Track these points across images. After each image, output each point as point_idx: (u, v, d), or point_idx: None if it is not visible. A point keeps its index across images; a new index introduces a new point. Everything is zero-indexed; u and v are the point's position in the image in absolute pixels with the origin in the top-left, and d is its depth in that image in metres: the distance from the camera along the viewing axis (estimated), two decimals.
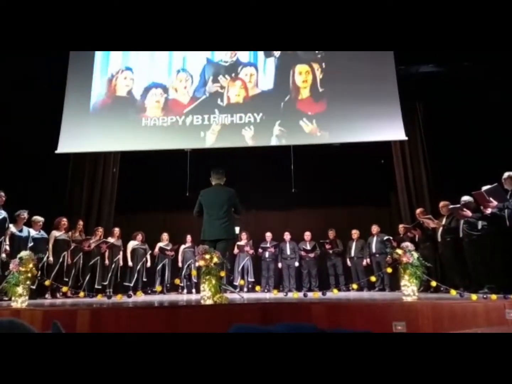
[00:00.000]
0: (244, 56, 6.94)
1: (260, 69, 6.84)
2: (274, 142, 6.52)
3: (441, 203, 5.65)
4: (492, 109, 6.37)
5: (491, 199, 4.24)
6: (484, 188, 4.40)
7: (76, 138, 6.77)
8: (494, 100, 6.37)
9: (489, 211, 4.28)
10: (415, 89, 7.13)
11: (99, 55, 7.17)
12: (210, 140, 6.61)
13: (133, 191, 7.82)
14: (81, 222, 6.61)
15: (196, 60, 6.97)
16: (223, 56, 6.95)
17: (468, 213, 4.69)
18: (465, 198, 4.90)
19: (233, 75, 6.84)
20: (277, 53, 6.86)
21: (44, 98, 7.02)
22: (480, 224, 4.68)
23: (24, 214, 5.38)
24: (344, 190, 7.67)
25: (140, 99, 6.89)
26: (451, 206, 5.07)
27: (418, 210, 6.24)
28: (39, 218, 5.71)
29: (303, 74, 6.74)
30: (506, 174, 4.43)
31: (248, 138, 6.56)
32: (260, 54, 6.90)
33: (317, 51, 6.73)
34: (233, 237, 4.32)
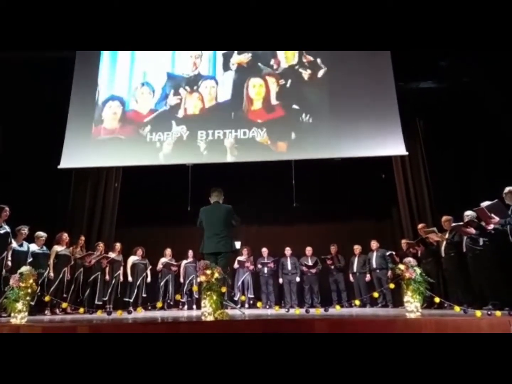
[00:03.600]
0: (204, 69, 7.18)
1: (219, 82, 7.07)
2: (229, 152, 6.68)
3: (444, 218, 5.63)
4: (492, 124, 6.40)
5: (492, 215, 4.23)
6: (485, 204, 4.39)
7: (78, 154, 6.82)
8: (493, 115, 6.41)
9: (491, 227, 4.27)
10: (415, 105, 7.21)
11: (104, 74, 7.32)
12: (166, 151, 6.76)
13: (135, 206, 7.83)
14: (82, 238, 6.61)
15: (157, 73, 7.20)
16: (185, 69, 7.19)
17: (472, 230, 4.67)
18: (468, 213, 4.88)
19: (194, 87, 7.06)
20: (234, 66, 7.10)
21: (47, 114, 7.11)
22: (481, 240, 4.66)
23: (25, 230, 5.38)
24: (345, 204, 7.66)
25: (99, 112, 7.08)
26: (454, 224, 5.06)
27: (420, 226, 6.21)
28: (41, 234, 5.71)
29: (257, 87, 6.96)
30: (507, 189, 4.42)
31: (203, 149, 6.71)
32: (219, 67, 7.14)
33: (276, 69, 7.00)
34: (232, 251, 4.47)
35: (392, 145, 6.50)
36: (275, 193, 7.32)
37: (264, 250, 7.47)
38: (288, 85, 6.90)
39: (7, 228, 5.00)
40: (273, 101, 6.86)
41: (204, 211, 4.39)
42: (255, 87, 6.97)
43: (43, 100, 7.20)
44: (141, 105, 7.07)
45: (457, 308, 4.01)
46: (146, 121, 6.94)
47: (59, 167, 6.78)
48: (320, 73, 6.90)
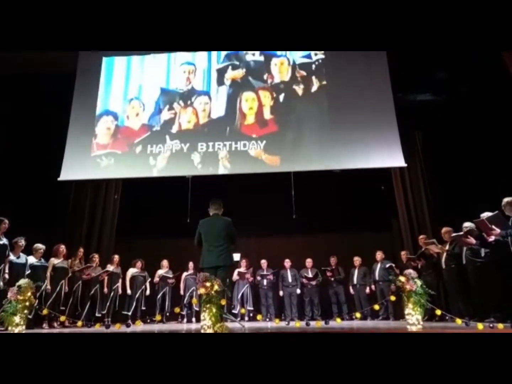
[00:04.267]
0: (198, 84, 7.21)
1: (213, 97, 7.11)
2: (221, 166, 6.69)
3: (444, 229, 5.63)
4: (491, 136, 6.44)
5: (493, 226, 4.23)
6: (485, 215, 4.40)
7: (78, 166, 6.84)
8: (492, 126, 6.46)
9: (492, 238, 4.26)
10: (413, 117, 7.26)
11: (101, 88, 7.37)
12: (160, 166, 6.77)
13: (134, 217, 7.82)
14: (81, 250, 6.57)
15: (151, 88, 7.24)
16: (179, 84, 7.23)
17: (472, 240, 4.66)
18: (467, 224, 4.88)
19: (188, 102, 7.10)
20: (228, 82, 7.15)
21: (47, 126, 7.16)
22: (483, 251, 4.65)
23: (22, 241, 5.34)
24: (345, 216, 7.65)
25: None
26: (454, 234, 5.05)
27: (421, 237, 6.20)
28: (40, 246, 5.66)
29: (249, 101, 7.00)
30: (505, 201, 4.43)
31: (197, 163, 6.72)
32: (213, 82, 7.18)
33: (269, 83, 7.05)
34: (231, 264, 4.46)
35: (390, 157, 6.53)
36: (274, 204, 7.32)
37: (263, 262, 7.43)
38: (281, 99, 6.94)
39: (4, 241, 4.97)
40: (267, 115, 6.89)
41: (203, 223, 4.37)
42: (247, 101, 7.01)
43: (44, 112, 7.24)
44: (132, 121, 7.09)
45: (458, 321, 3.98)
46: (138, 139, 6.94)
47: (59, 179, 6.78)
48: (314, 88, 6.95)
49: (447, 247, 5.44)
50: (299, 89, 6.96)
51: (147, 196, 7.68)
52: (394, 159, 6.53)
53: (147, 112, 7.12)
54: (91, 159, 6.91)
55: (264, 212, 7.57)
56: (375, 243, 7.51)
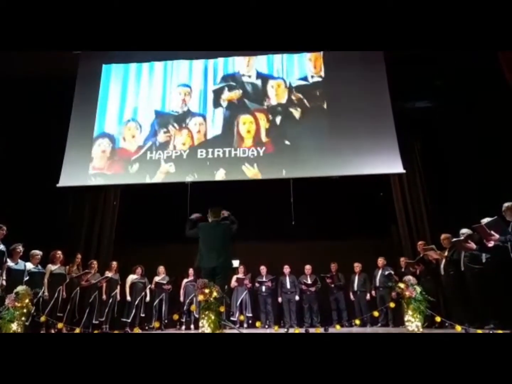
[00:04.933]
0: (194, 106, 7.20)
1: (208, 119, 7.09)
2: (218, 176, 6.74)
3: (443, 236, 5.63)
4: (489, 142, 6.47)
5: (492, 232, 4.24)
6: (484, 221, 4.40)
7: (77, 172, 6.85)
8: (490, 133, 6.49)
9: (491, 244, 4.26)
10: (411, 124, 7.29)
11: (113, 82, 7.45)
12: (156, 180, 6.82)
13: (134, 223, 7.79)
14: (79, 256, 6.53)
15: (147, 110, 7.23)
16: (174, 106, 7.22)
17: (473, 245, 4.66)
18: (464, 230, 4.89)
19: (183, 124, 7.09)
20: (224, 103, 7.14)
21: (47, 132, 7.18)
22: (484, 257, 4.65)
23: (20, 248, 5.32)
24: (344, 223, 7.64)
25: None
26: (454, 239, 5.05)
27: (420, 243, 6.20)
28: (37, 252, 5.62)
29: (247, 124, 6.99)
30: (505, 205, 4.44)
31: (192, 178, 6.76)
32: (210, 104, 7.16)
33: (265, 105, 7.06)
34: (230, 268, 4.60)
35: (389, 164, 6.55)
36: (273, 211, 7.31)
37: (263, 268, 7.40)
38: (278, 122, 6.94)
39: (1, 247, 4.95)
40: (263, 137, 6.89)
41: (203, 227, 4.46)
42: (245, 124, 6.99)
43: (43, 118, 7.27)
44: (129, 143, 7.07)
45: (458, 328, 3.97)
46: (134, 158, 6.94)
47: (58, 185, 6.78)
48: (265, 108, 7.03)
49: (446, 253, 5.43)
50: (296, 112, 6.96)
51: (146, 202, 7.67)
52: (393, 165, 6.55)
53: (143, 134, 7.10)
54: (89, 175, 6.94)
55: (263, 218, 7.56)
56: (374, 249, 7.50)
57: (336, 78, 7.04)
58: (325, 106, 6.94)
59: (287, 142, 6.80)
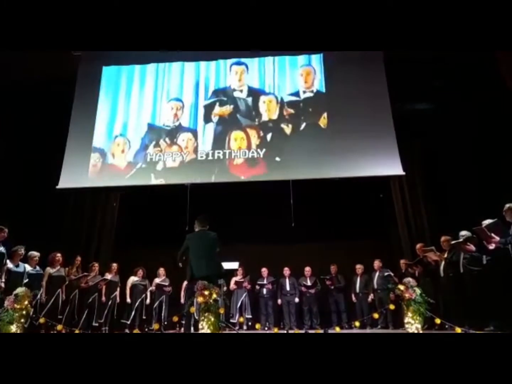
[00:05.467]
0: (185, 120, 7.17)
1: (200, 134, 7.05)
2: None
3: (443, 238, 5.62)
4: (489, 144, 6.48)
5: (492, 234, 4.24)
6: (484, 223, 4.41)
7: (77, 174, 6.85)
8: (491, 134, 6.49)
9: (492, 246, 4.27)
10: (411, 125, 7.30)
11: (103, 96, 7.43)
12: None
13: (134, 225, 7.78)
14: (78, 258, 6.51)
15: (137, 125, 7.20)
16: (166, 121, 7.19)
17: (472, 247, 4.67)
18: (463, 233, 4.89)
19: (174, 140, 7.06)
20: (215, 118, 7.12)
21: (47, 134, 7.18)
22: (484, 258, 4.65)
23: (22, 250, 5.30)
24: (344, 224, 7.62)
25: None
26: (454, 242, 5.05)
27: (418, 245, 6.19)
28: (34, 253, 5.58)
29: (238, 140, 6.95)
30: (506, 206, 4.44)
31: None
32: (200, 119, 7.13)
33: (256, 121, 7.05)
34: (222, 273, 4.65)
35: (389, 165, 6.56)
36: (273, 212, 7.30)
37: (264, 270, 7.38)
38: (268, 138, 6.91)
39: (1, 249, 4.94)
40: (255, 153, 6.85)
41: (191, 237, 4.50)
42: (236, 140, 6.96)
43: (43, 120, 7.28)
44: (118, 159, 7.04)
45: (458, 329, 3.96)
46: (125, 175, 6.95)
47: (57, 187, 6.78)
48: (256, 124, 7.02)
49: (445, 255, 5.43)
50: (287, 128, 6.94)
51: (146, 204, 7.66)
52: (392, 167, 6.56)
53: (133, 150, 7.07)
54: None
55: (263, 220, 7.55)
56: (374, 251, 7.48)
57: (335, 79, 7.05)
58: (319, 122, 6.92)
59: (277, 159, 6.78)
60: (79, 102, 7.31)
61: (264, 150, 6.82)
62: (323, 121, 6.92)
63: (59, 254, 6.00)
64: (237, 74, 7.38)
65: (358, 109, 6.76)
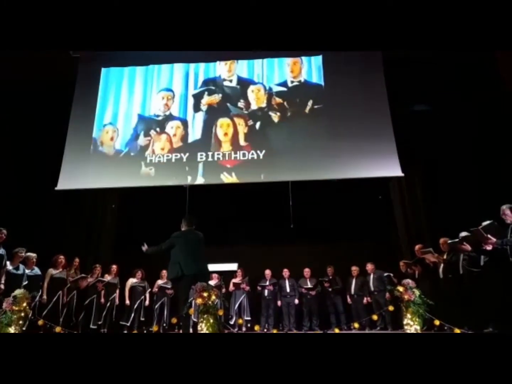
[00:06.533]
0: (175, 110, 7.21)
1: (189, 124, 7.09)
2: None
3: (442, 240, 5.62)
4: (489, 145, 6.48)
5: (489, 236, 4.25)
6: (481, 225, 4.41)
7: (76, 175, 6.84)
8: (490, 135, 6.50)
9: (490, 247, 4.27)
10: (411, 127, 7.29)
11: (102, 97, 7.43)
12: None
13: (133, 227, 7.76)
14: (77, 260, 6.49)
15: (128, 115, 7.23)
16: (156, 111, 7.23)
17: (468, 247, 4.67)
18: (463, 234, 4.89)
19: (164, 129, 7.10)
20: (204, 107, 7.16)
21: (45, 135, 7.18)
22: (482, 259, 4.65)
23: (22, 252, 5.29)
24: (343, 225, 7.61)
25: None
26: (450, 241, 5.06)
27: (417, 247, 6.19)
28: (32, 255, 5.54)
29: (224, 127, 7.00)
30: (503, 208, 4.44)
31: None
32: (190, 108, 7.16)
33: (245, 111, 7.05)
34: (208, 272, 4.60)
35: (388, 167, 6.55)
36: (272, 214, 7.30)
37: (268, 273, 7.35)
38: (257, 126, 6.95)
39: (0, 251, 4.91)
40: (242, 142, 6.88)
41: (179, 235, 4.52)
42: (222, 127, 6.99)
43: (42, 121, 7.27)
44: (106, 147, 7.07)
45: (457, 331, 3.96)
46: (113, 162, 6.96)
47: (56, 188, 6.77)
48: (245, 112, 7.03)
49: (444, 257, 5.43)
50: (275, 117, 6.97)
51: (145, 206, 7.65)
52: (391, 168, 6.55)
53: (122, 138, 7.10)
54: (93, 165, 6.95)
55: (261, 221, 7.55)
56: (373, 253, 7.47)
57: (334, 81, 7.05)
58: (306, 110, 6.96)
59: (267, 146, 6.79)
60: (78, 103, 7.31)
61: (252, 138, 6.84)
62: (310, 109, 6.99)
63: (62, 256, 5.99)
64: (226, 65, 7.45)
65: (356, 110, 6.76)
